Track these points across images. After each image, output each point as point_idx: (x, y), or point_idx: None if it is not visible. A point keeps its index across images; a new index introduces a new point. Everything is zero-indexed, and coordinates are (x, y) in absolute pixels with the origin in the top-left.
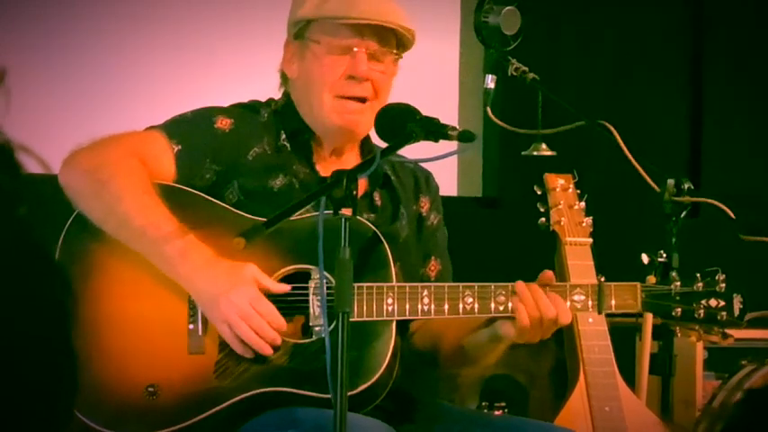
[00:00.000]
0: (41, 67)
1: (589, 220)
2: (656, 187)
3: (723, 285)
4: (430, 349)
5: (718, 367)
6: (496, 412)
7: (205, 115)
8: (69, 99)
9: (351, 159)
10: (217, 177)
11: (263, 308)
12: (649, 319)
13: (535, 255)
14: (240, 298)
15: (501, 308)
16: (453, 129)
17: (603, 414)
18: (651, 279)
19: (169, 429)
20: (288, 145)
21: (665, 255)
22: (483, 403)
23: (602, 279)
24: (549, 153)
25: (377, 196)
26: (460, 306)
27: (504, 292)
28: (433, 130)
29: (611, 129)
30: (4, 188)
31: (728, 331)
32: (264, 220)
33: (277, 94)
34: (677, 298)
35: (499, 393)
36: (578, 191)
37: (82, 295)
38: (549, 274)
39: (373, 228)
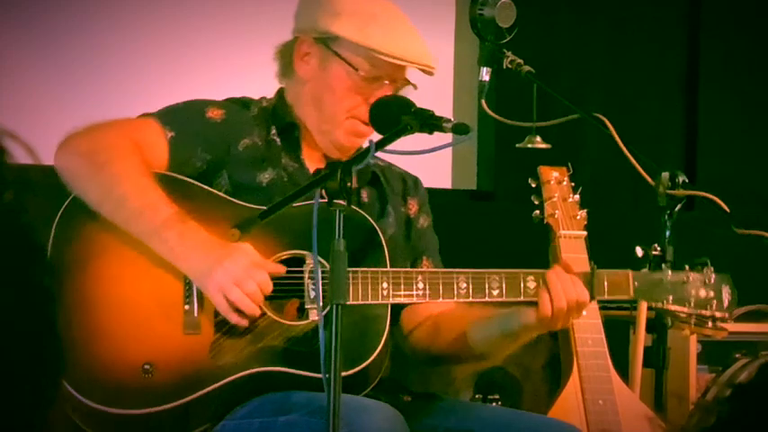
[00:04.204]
0: (30, 55)
1: (583, 212)
2: (650, 180)
3: (713, 276)
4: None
5: (712, 360)
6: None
7: (197, 105)
8: (58, 88)
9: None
10: (207, 166)
11: (258, 275)
12: (643, 312)
13: (529, 247)
14: (235, 265)
15: (495, 293)
16: (448, 121)
17: (597, 407)
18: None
19: (164, 407)
20: (278, 140)
21: (659, 248)
22: (477, 395)
23: (594, 266)
24: (543, 146)
25: (364, 193)
26: (455, 289)
27: (497, 278)
28: (428, 122)
29: (606, 121)
30: None
31: (722, 325)
32: (259, 208)
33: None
34: (668, 287)
35: (493, 386)
36: (573, 183)
37: (79, 277)
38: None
39: (367, 216)
